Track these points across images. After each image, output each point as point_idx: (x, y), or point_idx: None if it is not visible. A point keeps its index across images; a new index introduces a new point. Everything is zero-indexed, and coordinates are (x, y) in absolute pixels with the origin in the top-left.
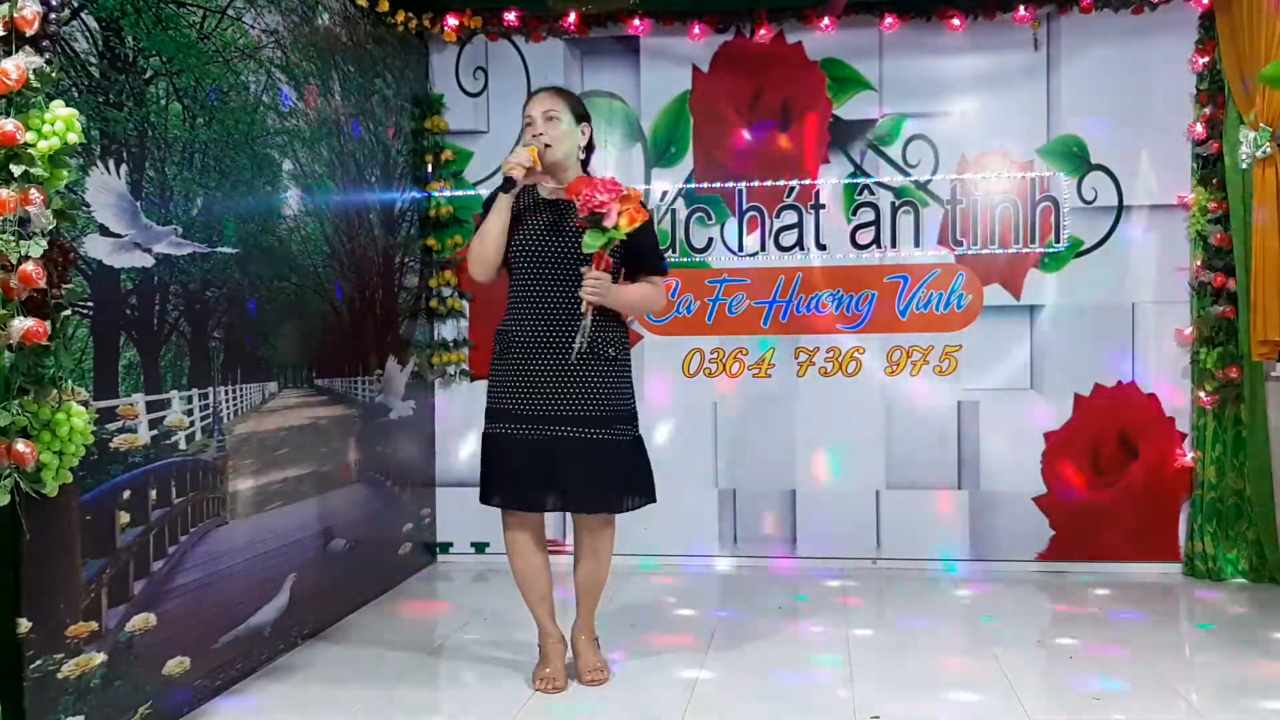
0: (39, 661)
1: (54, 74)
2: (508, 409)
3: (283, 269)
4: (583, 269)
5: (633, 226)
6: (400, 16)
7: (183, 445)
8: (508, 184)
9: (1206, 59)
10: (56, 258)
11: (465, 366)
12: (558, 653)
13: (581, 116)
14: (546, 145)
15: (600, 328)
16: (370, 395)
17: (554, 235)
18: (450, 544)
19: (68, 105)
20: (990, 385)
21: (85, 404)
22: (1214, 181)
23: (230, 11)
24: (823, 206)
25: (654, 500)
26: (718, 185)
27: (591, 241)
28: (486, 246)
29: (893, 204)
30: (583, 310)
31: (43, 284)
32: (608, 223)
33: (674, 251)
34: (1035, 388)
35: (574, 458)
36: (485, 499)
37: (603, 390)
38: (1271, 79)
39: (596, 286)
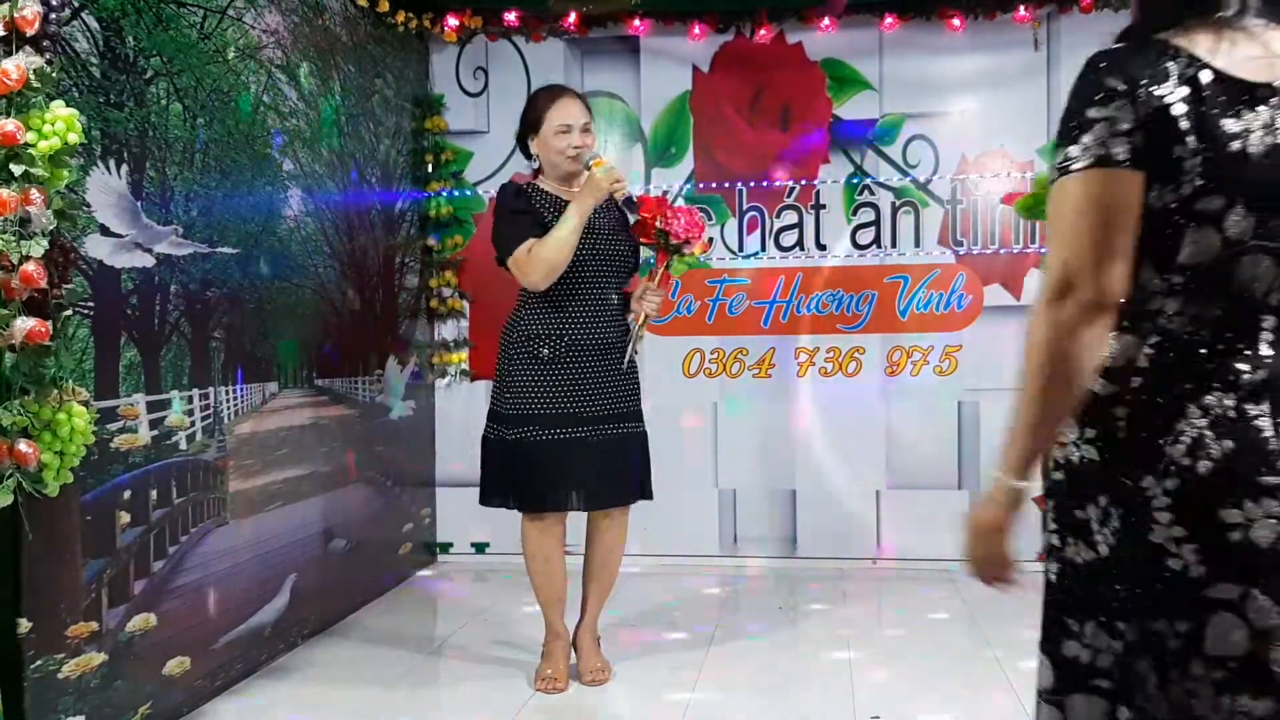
0: (39, 661)
1: (54, 74)
2: (556, 413)
3: (283, 269)
4: (646, 282)
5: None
6: (400, 17)
7: (183, 445)
8: (630, 204)
9: None
10: (57, 258)
11: (465, 367)
12: (562, 654)
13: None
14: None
15: (630, 326)
16: (370, 395)
17: (608, 240)
18: (450, 544)
19: (68, 105)
20: (990, 385)
21: (86, 404)
22: None
23: (231, 12)
24: (823, 207)
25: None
26: (718, 185)
27: (679, 268)
28: (565, 255)
29: (893, 204)
30: (640, 322)
31: (44, 284)
32: (688, 250)
33: None
34: None
35: (616, 451)
36: (511, 505)
37: (637, 384)
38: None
39: (659, 302)
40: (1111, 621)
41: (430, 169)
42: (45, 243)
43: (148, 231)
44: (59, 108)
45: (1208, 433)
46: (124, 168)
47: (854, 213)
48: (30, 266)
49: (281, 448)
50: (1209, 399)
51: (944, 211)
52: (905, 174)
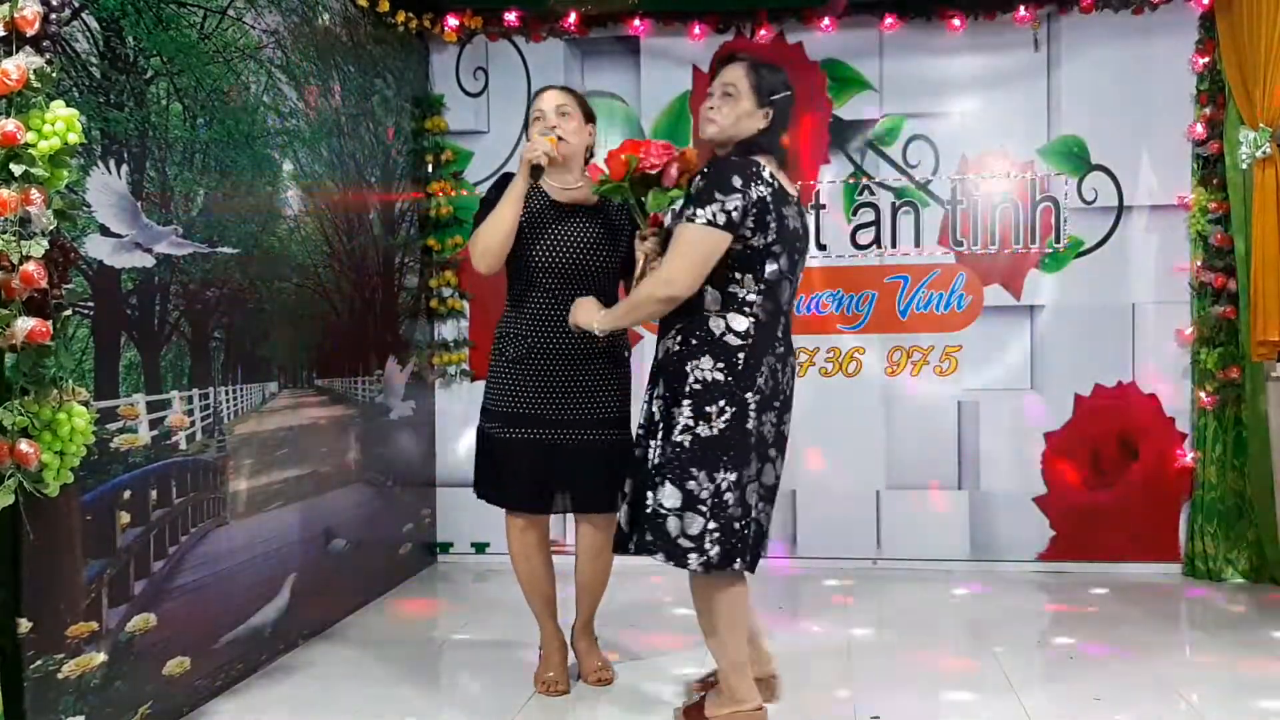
0: (39, 661)
1: (54, 74)
2: (523, 413)
3: (283, 269)
4: (641, 229)
5: (689, 178)
6: (401, 17)
7: (183, 445)
8: (535, 171)
9: (1207, 59)
10: (57, 258)
11: (465, 367)
12: (560, 655)
13: (589, 116)
14: (560, 138)
15: (614, 332)
16: (370, 395)
17: (579, 245)
18: (450, 544)
19: (68, 105)
20: (990, 385)
21: (86, 404)
22: (1214, 182)
23: (231, 12)
24: (823, 207)
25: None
26: None
27: (656, 202)
28: (499, 236)
29: (893, 204)
30: (642, 263)
31: (44, 284)
32: (666, 183)
33: None
34: (1035, 388)
35: (590, 458)
36: (493, 500)
37: (618, 393)
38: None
39: (653, 244)
40: (713, 472)
41: (430, 169)
42: (45, 243)
43: (148, 231)
44: (59, 108)
45: (767, 374)
46: (124, 168)
47: (854, 213)
48: (30, 266)
49: (281, 448)
50: (769, 358)
51: (944, 212)
52: (905, 174)
